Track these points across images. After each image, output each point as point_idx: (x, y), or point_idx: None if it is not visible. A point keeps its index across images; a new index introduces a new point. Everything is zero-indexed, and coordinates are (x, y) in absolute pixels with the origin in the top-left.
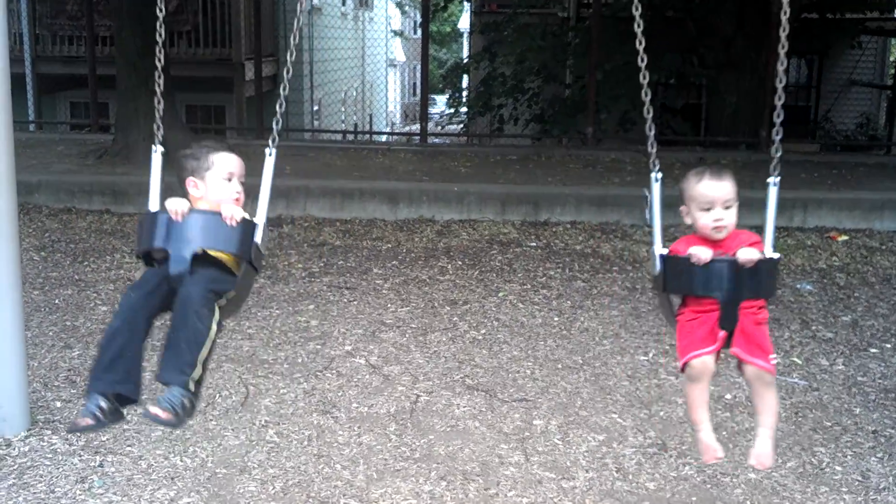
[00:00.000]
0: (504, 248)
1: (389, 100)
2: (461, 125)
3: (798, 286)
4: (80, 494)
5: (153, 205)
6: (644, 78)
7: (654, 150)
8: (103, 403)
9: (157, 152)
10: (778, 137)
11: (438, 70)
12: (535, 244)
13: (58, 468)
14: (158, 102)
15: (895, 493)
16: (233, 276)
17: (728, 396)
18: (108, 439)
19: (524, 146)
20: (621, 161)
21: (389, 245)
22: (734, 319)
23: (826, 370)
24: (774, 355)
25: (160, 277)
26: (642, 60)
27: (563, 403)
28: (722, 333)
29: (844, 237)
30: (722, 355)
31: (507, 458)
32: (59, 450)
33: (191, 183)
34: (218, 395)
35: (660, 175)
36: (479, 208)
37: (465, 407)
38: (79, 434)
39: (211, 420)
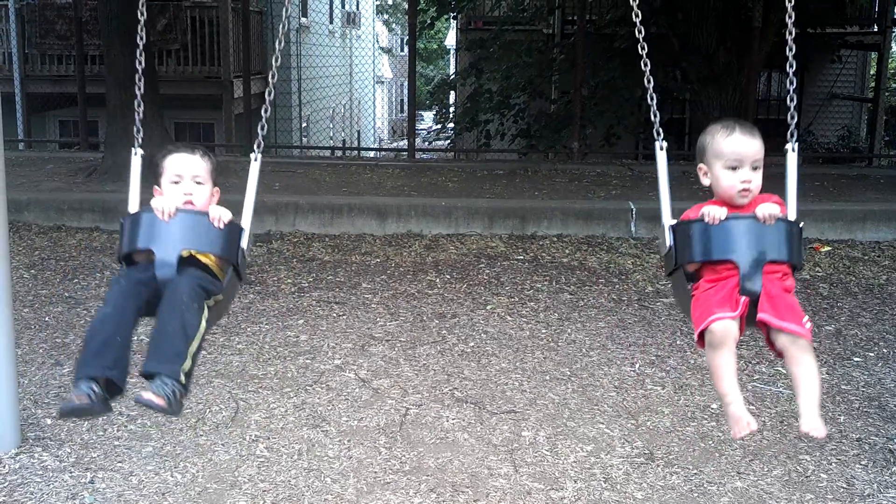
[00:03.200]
0: (492, 261)
1: (377, 116)
2: (448, 141)
3: None
4: None
5: (133, 207)
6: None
7: (657, 118)
8: (95, 387)
9: (137, 155)
10: (793, 105)
11: (425, 86)
12: (522, 257)
13: (48, 485)
14: (139, 105)
15: (879, 500)
16: (219, 280)
17: (714, 406)
18: (98, 455)
19: (511, 161)
20: (606, 175)
21: (378, 260)
22: (757, 283)
23: None
24: (807, 318)
25: (148, 275)
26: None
27: (551, 414)
28: (744, 299)
29: (827, 248)
30: (747, 332)
31: (497, 470)
32: (49, 467)
33: (156, 192)
34: (208, 411)
35: (664, 144)
36: (466, 223)
37: (454, 419)
38: (73, 418)
39: (201, 435)
